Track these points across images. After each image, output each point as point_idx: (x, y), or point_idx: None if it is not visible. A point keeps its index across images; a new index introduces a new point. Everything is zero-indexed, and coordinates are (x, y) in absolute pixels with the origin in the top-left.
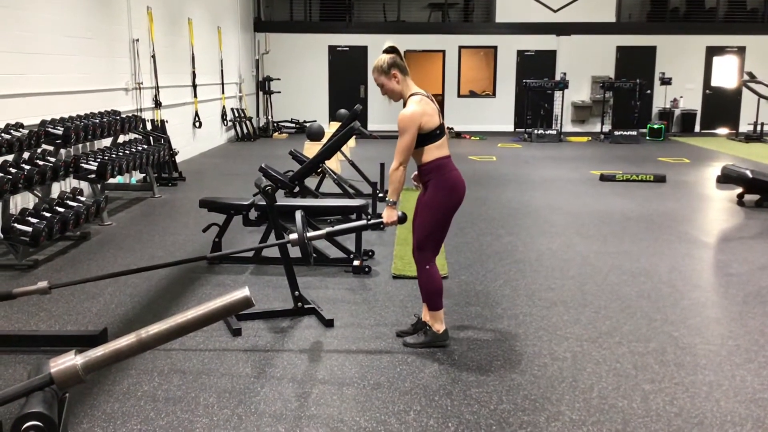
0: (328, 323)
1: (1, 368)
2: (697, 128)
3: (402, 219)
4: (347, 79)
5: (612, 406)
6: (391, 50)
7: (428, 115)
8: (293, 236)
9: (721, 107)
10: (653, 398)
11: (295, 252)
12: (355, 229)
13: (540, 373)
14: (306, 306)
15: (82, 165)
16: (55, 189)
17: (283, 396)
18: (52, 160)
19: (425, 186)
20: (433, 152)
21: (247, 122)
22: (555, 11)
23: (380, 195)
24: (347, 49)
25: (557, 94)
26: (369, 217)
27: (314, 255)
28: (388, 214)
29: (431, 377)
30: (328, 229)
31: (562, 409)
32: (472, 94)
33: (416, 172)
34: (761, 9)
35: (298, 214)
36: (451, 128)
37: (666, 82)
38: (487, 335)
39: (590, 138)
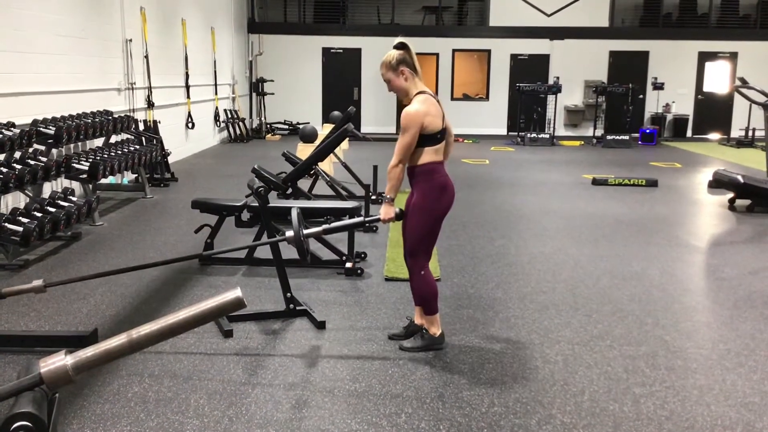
0: (320, 325)
1: None
2: (689, 133)
3: (399, 216)
4: (341, 81)
5: (603, 410)
6: (402, 46)
7: (432, 116)
8: (289, 233)
9: (713, 112)
10: (644, 402)
11: (287, 253)
12: (352, 226)
13: (531, 377)
14: (298, 308)
15: (74, 165)
16: (47, 189)
17: (274, 398)
18: (44, 159)
19: (413, 189)
20: (428, 155)
21: (240, 123)
22: (548, 15)
23: (373, 197)
24: (341, 51)
25: (550, 98)
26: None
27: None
28: (385, 211)
29: (423, 380)
30: (325, 226)
31: (553, 412)
32: (466, 98)
33: None
34: (753, 15)
35: (294, 211)
36: None
37: (658, 87)
38: (478, 338)
39: (583, 142)
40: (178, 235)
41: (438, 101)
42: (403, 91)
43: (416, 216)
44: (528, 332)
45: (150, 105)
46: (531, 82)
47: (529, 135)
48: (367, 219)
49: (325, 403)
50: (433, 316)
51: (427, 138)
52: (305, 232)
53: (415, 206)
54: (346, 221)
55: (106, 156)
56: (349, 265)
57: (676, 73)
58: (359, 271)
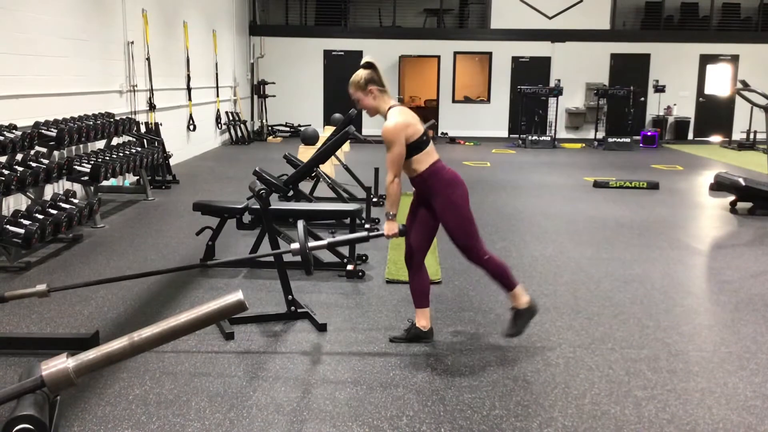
0: (321, 327)
1: None
2: (690, 136)
3: (402, 232)
4: (342, 83)
5: (604, 413)
6: (369, 66)
7: (411, 125)
8: (294, 246)
9: (714, 115)
10: (645, 405)
11: (288, 256)
12: (356, 240)
13: (533, 379)
14: (299, 310)
15: (76, 167)
16: (48, 191)
17: (275, 401)
18: (46, 161)
19: (426, 194)
20: (424, 160)
21: (242, 126)
22: (550, 18)
23: (374, 199)
24: (342, 53)
25: (551, 100)
26: (363, 221)
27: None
28: (389, 227)
29: (424, 382)
30: (330, 239)
31: (554, 415)
32: (467, 100)
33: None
34: (755, 17)
35: (300, 224)
36: (446, 133)
37: (660, 89)
38: (480, 341)
39: (584, 144)
40: (179, 238)
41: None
42: (373, 110)
43: (449, 214)
44: (529, 335)
45: (151, 107)
46: (532, 85)
47: (530, 137)
48: (370, 234)
49: (326, 406)
50: (515, 288)
51: (415, 146)
52: (310, 245)
53: (443, 207)
54: (350, 236)
55: (107, 158)
56: (350, 267)
57: (677, 75)
58: (360, 274)
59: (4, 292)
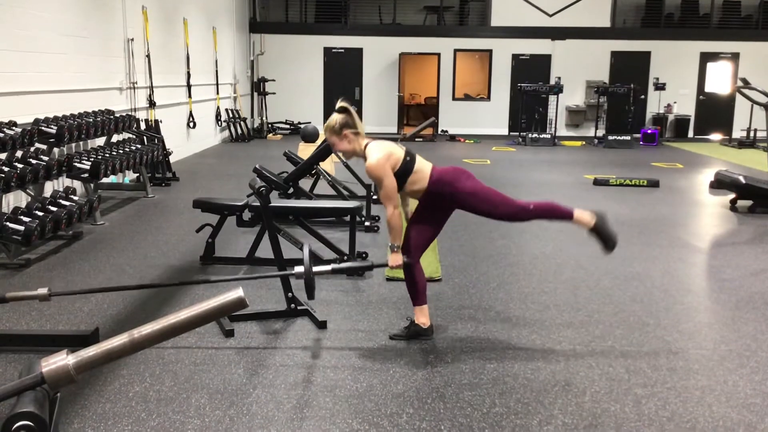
0: (321, 325)
1: None
2: (690, 134)
3: (407, 264)
4: (342, 80)
5: (604, 411)
6: (343, 110)
7: (392, 154)
8: (299, 269)
9: (714, 113)
10: (645, 403)
11: (289, 254)
12: (360, 268)
13: (533, 377)
14: (299, 307)
15: (76, 164)
16: (48, 188)
17: (275, 398)
18: (45, 158)
19: (441, 202)
20: (420, 179)
21: (242, 123)
22: (550, 16)
23: (374, 197)
24: (342, 51)
25: (552, 98)
26: (363, 219)
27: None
28: (393, 259)
29: (424, 380)
30: (333, 265)
31: (554, 412)
32: (467, 98)
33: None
34: (755, 15)
35: (306, 248)
36: (446, 131)
37: (660, 87)
38: (480, 338)
39: (584, 142)
40: (179, 235)
41: None
42: (349, 153)
43: (476, 203)
44: (529, 332)
45: (151, 104)
46: (532, 83)
47: (530, 135)
48: (375, 264)
49: (326, 403)
50: (575, 214)
51: (404, 171)
52: (315, 269)
53: (467, 202)
54: (355, 264)
55: (107, 155)
56: None
57: (677, 73)
58: (360, 272)
59: (4, 291)
